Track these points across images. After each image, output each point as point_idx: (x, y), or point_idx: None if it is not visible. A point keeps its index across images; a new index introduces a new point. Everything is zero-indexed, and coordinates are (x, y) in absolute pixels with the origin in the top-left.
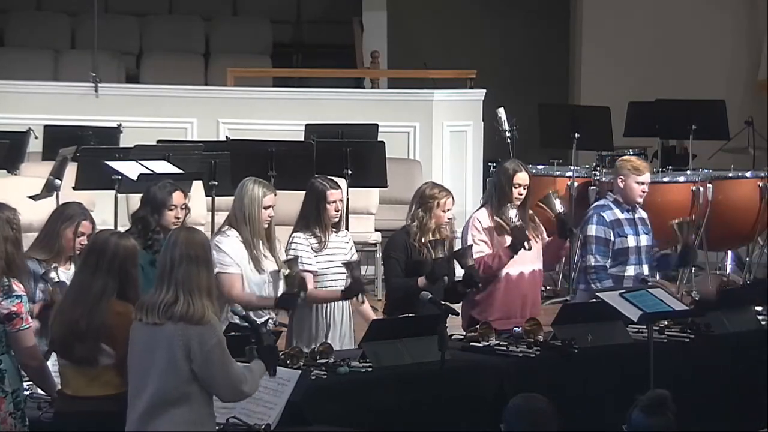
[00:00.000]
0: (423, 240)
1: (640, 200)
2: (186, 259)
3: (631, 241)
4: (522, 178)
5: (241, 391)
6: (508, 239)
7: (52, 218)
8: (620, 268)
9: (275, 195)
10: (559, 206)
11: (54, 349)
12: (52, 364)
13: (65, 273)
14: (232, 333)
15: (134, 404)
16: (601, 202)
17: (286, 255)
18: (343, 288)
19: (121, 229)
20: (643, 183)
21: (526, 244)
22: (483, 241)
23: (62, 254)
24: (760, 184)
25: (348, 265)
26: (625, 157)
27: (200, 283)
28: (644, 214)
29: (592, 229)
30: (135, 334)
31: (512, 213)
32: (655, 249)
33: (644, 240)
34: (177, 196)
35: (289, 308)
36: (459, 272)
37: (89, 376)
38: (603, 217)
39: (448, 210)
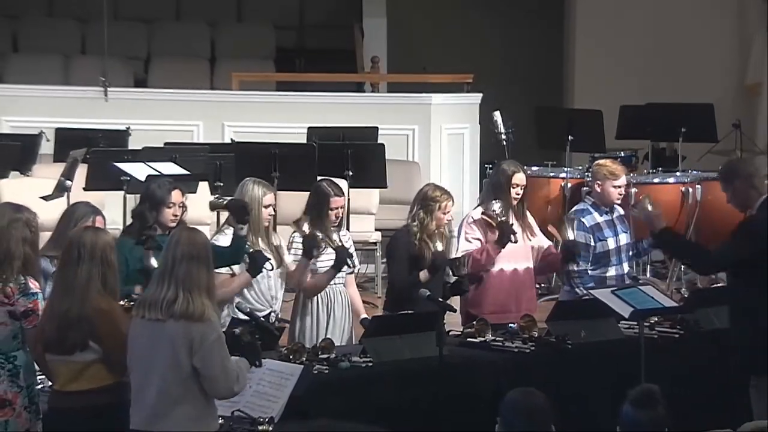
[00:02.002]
0: (423, 241)
1: (618, 202)
2: (187, 259)
3: (611, 243)
4: (519, 178)
5: (232, 390)
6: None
7: (63, 219)
8: (602, 270)
9: (275, 194)
10: (570, 234)
11: (46, 348)
12: None
13: None
14: (234, 330)
15: (139, 400)
16: (581, 206)
17: (288, 253)
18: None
19: None
20: (619, 186)
21: (512, 237)
22: (476, 238)
23: None
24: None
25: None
26: (600, 162)
27: (200, 281)
28: (621, 211)
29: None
30: (136, 331)
31: (497, 206)
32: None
33: (623, 239)
34: (175, 195)
35: (259, 266)
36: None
37: (75, 370)
38: (583, 222)
39: (448, 212)
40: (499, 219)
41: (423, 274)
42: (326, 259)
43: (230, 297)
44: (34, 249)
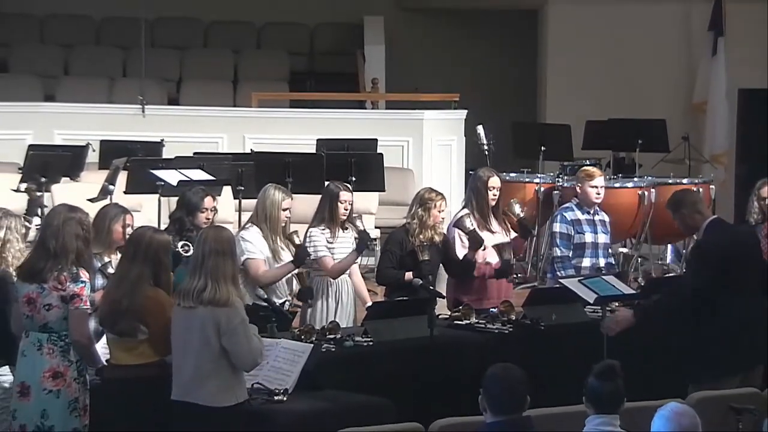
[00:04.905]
0: (421, 237)
1: (597, 201)
2: (214, 253)
3: (588, 238)
4: (494, 182)
5: (256, 362)
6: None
7: (99, 219)
8: (578, 260)
9: (291, 199)
10: (518, 210)
11: (102, 324)
12: (102, 345)
13: (115, 260)
14: (261, 313)
15: (177, 374)
16: (566, 205)
17: (305, 245)
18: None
19: (163, 226)
20: (596, 186)
21: (480, 245)
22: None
23: (112, 246)
24: (695, 189)
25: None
26: (582, 168)
27: (226, 272)
28: (606, 218)
29: (557, 226)
30: (175, 317)
31: (467, 222)
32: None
33: (601, 238)
34: (208, 201)
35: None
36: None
37: (127, 348)
38: (565, 216)
39: (442, 211)
40: (467, 231)
41: (408, 276)
42: (342, 246)
43: (278, 280)
44: (86, 244)
